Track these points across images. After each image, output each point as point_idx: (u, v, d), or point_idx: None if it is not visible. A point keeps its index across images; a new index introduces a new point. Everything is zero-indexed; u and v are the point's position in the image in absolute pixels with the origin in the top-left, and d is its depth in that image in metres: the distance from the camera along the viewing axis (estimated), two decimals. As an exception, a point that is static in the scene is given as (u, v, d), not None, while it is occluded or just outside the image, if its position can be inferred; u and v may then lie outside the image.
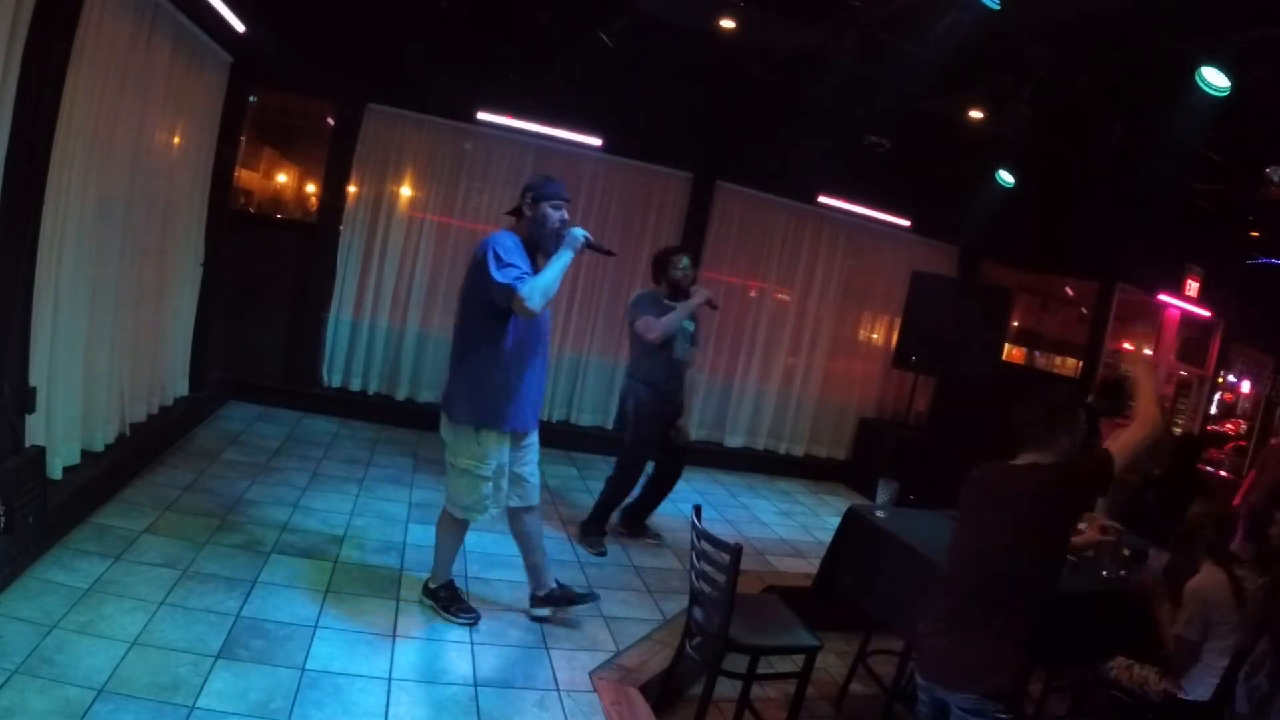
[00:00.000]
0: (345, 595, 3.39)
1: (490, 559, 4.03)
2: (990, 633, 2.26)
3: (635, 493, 4.71)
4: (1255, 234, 7.69)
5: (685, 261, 4.55)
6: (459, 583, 3.72)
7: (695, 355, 4.80)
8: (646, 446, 4.55)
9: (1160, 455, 5.28)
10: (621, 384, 4.78)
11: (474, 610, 3.39)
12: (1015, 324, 8.68)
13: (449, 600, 3.38)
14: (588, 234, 3.13)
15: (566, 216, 3.15)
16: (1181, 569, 3.41)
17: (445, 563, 3.42)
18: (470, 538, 4.26)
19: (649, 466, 4.69)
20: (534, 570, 3.48)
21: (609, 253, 3.20)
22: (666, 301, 4.47)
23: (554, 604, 3.46)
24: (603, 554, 4.43)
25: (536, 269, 3.09)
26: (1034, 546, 2.28)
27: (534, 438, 3.36)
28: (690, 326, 4.57)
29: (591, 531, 4.51)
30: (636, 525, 4.80)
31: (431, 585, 3.42)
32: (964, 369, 6.68)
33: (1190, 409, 9.52)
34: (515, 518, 3.40)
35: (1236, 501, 5.89)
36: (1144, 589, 3.34)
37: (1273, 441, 6.69)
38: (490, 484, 3.19)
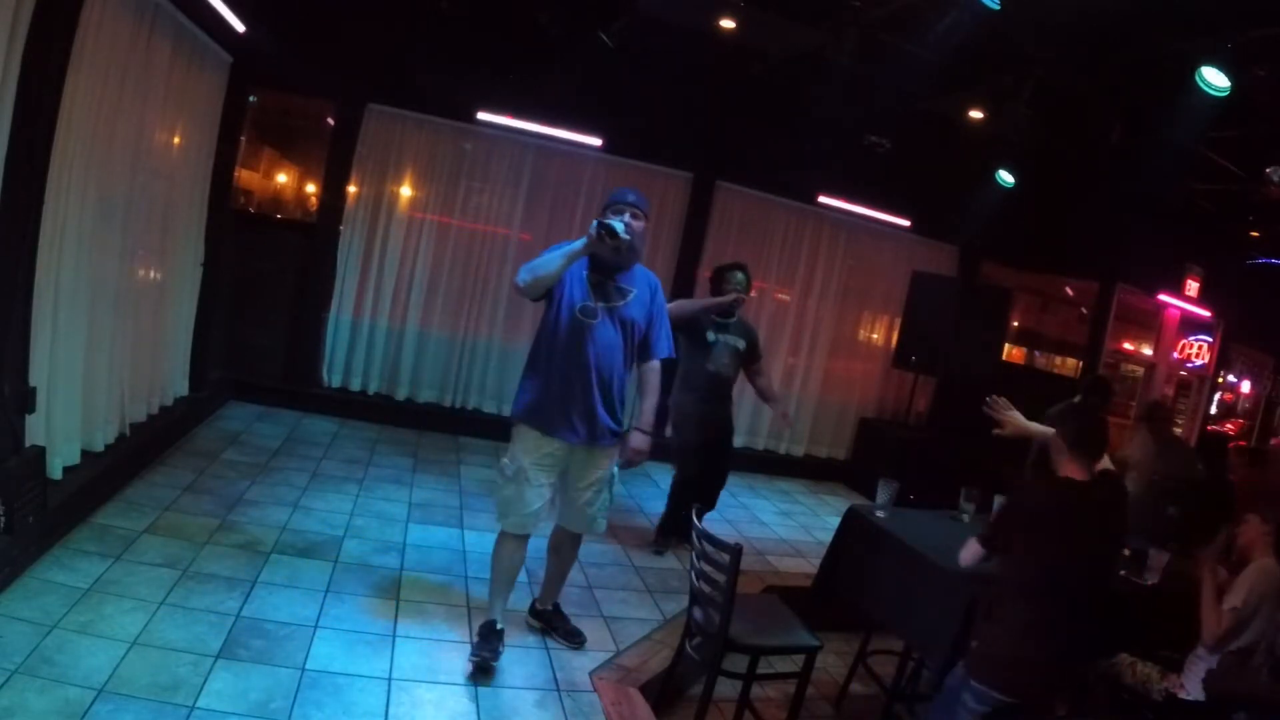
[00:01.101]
0: (346, 595, 3.39)
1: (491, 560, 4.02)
2: (1068, 644, 2.41)
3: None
4: (1255, 234, 7.70)
5: (739, 276, 4.55)
6: (459, 583, 3.75)
7: (761, 368, 4.86)
8: (690, 449, 4.60)
9: (1188, 460, 5.28)
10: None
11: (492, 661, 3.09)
12: (1015, 324, 8.68)
13: (484, 635, 3.12)
14: (602, 221, 2.93)
15: (627, 220, 2.99)
16: (1185, 570, 3.41)
17: (493, 591, 3.18)
18: (471, 537, 4.30)
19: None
20: (545, 584, 3.45)
21: (614, 234, 2.91)
22: (716, 318, 4.51)
23: (546, 623, 3.41)
24: (661, 552, 4.62)
25: (594, 273, 3.06)
26: (1109, 559, 2.52)
27: (598, 464, 3.14)
28: (740, 344, 4.58)
29: (661, 534, 4.73)
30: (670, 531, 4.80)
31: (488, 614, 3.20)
32: (964, 369, 6.68)
33: (1190, 409, 9.53)
34: (556, 532, 3.31)
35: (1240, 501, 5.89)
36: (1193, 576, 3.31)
37: (1274, 441, 6.70)
38: (513, 487, 3.02)
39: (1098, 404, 4.86)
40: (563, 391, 3.02)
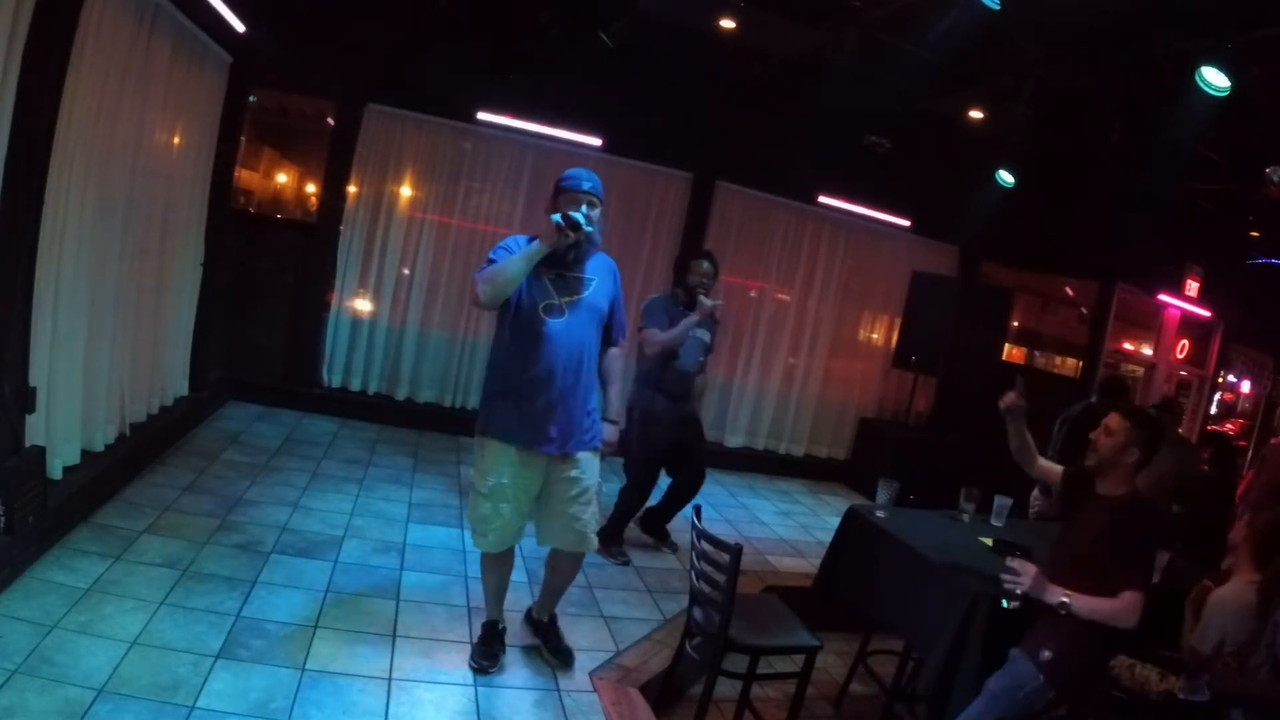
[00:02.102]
0: (345, 595, 3.39)
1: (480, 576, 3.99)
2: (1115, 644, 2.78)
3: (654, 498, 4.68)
4: (1255, 234, 7.69)
5: (705, 265, 4.45)
6: (459, 583, 3.74)
7: (707, 363, 4.69)
8: (656, 454, 4.43)
9: (1192, 459, 5.27)
10: (629, 390, 4.49)
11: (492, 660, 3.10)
12: (1015, 324, 8.69)
13: (484, 638, 3.13)
14: (565, 214, 2.75)
15: (585, 211, 2.81)
16: (1183, 571, 3.40)
17: (487, 601, 3.14)
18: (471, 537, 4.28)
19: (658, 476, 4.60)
20: (542, 593, 3.32)
21: (575, 226, 2.73)
22: (681, 308, 4.38)
23: (539, 636, 3.29)
24: (626, 563, 4.37)
25: (548, 268, 2.85)
26: None
27: (581, 472, 2.94)
28: (706, 336, 4.51)
29: (611, 542, 4.42)
30: (655, 529, 4.74)
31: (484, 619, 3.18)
32: (964, 369, 6.69)
33: (1190, 409, 9.52)
34: (553, 554, 3.13)
35: (1237, 500, 5.90)
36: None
37: (1273, 441, 6.69)
38: (489, 504, 2.88)
39: (1111, 405, 4.86)
40: (538, 401, 2.82)
